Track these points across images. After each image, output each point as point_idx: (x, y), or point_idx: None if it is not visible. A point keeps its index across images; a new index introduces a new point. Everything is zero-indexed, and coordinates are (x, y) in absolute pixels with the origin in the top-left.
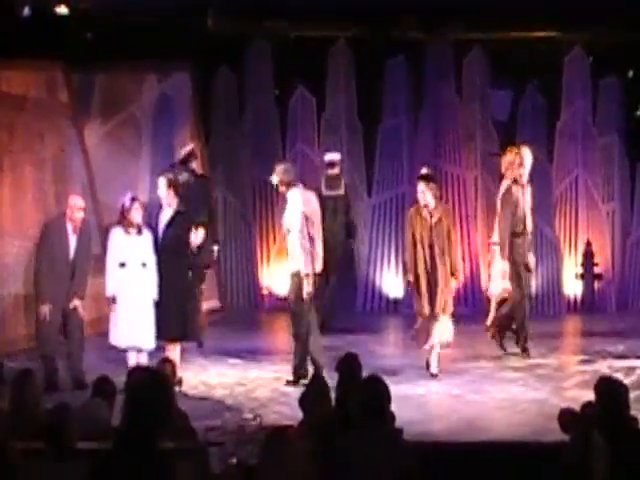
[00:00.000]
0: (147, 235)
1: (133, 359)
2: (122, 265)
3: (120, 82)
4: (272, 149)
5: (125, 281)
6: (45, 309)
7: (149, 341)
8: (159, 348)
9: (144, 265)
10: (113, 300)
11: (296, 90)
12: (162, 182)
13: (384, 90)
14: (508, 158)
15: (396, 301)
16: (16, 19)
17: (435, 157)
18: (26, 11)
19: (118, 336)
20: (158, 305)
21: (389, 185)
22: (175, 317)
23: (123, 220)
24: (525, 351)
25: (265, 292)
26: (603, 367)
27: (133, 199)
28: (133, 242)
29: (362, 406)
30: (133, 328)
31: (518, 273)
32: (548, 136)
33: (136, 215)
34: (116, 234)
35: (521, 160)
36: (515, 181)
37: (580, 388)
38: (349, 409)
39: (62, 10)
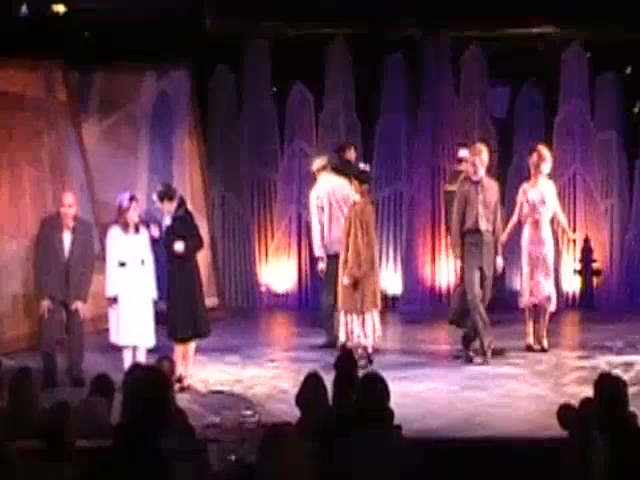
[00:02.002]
0: (144, 233)
1: (129, 357)
2: (122, 264)
3: (118, 81)
4: (270, 147)
5: (125, 280)
6: (44, 305)
7: (150, 339)
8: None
9: (143, 262)
10: (115, 300)
11: (294, 88)
12: (154, 198)
13: (382, 88)
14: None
15: (394, 298)
16: (14, 18)
17: (433, 155)
18: (24, 10)
19: (119, 334)
20: (168, 307)
21: (387, 183)
22: (187, 318)
23: (121, 219)
24: (470, 358)
25: (263, 289)
26: (602, 363)
27: (131, 198)
28: (131, 241)
29: (361, 403)
30: (134, 326)
31: (470, 276)
32: (546, 133)
33: (134, 214)
34: (114, 233)
35: (538, 159)
36: (468, 177)
37: (579, 384)
38: (347, 407)
39: (60, 8)
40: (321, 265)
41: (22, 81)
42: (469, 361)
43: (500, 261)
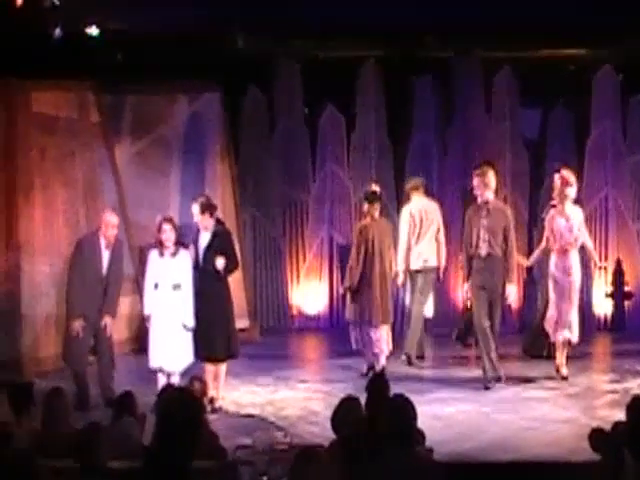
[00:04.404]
0: (183, 257)
1: (163, 380)
2: (156, 286)
3: (151, 102)
4: (302, 168)
5: (156, 302)
6: (77, 325)
7: (177, 363)
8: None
9: (176, 287)
10: (147, 319)
11: (325, 109)
12: (196, 209)
13: (413, 109)
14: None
15: (426, 320)
16: (48, 40)
17: (464, 175)
18: (57, 32)
19: (149, 356)
20: (201, 327)
21: None
22: (220, 338)
23: (157, 242)
24: (486, 387)
25: (295, 312)
26: (634, 386)
27: (164, 220)
28: (166, 264)
29: (389, 426)
30: (162, 349)
31: (475, 303)
32: (578, 154)
33: (168, 237)
34: (152, 256)
35: (562, 184)
36: (475, 202)
37: (611, 407)
38: (378, 428)
39: (93, 31)
40: (401, 277)
41: (55, 103)
42: (486, 388)
43: (512, 289)
